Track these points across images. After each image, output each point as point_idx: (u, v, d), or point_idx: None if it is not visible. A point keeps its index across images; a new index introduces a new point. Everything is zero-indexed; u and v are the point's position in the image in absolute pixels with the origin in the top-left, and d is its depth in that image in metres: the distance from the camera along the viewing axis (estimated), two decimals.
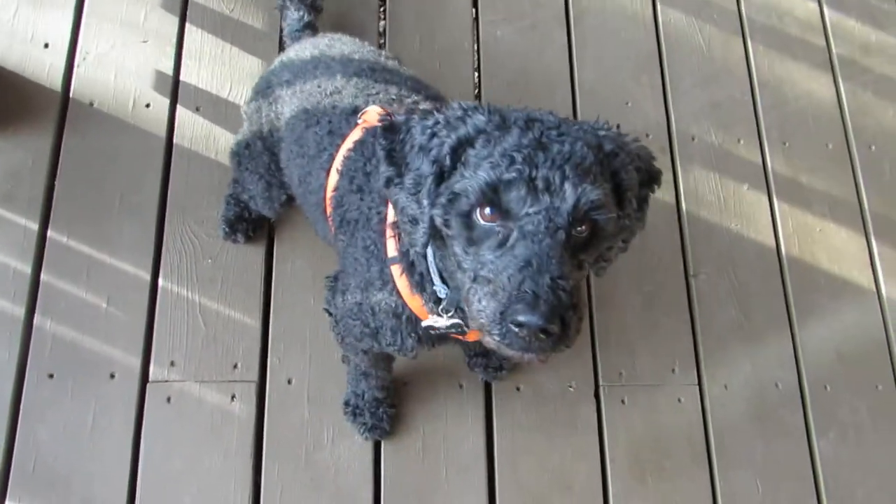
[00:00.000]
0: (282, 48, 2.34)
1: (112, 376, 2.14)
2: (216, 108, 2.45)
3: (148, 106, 2.43)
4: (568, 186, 1.16)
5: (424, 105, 1.71)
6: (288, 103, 1.86)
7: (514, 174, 1.16)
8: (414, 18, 2.66)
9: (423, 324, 1.53)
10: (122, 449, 2.08)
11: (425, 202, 1.24)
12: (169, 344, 2.19)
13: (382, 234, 1.54)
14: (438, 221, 1.24)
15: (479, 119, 1.23)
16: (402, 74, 1.86)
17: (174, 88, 2.47)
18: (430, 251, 1.44)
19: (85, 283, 2.22)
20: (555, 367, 2.28)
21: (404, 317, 1.58)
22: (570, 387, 2.28)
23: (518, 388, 2.25)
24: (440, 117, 1.27)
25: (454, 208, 1.21)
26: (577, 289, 1.18)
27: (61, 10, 2.50)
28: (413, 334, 1.61)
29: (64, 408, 2.10)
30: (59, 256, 2.24)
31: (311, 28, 2.25)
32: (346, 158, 1.64)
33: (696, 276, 2.45)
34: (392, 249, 1.51)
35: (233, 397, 2.15)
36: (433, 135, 1.25)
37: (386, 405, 2.15)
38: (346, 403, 2.16)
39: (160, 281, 2.25)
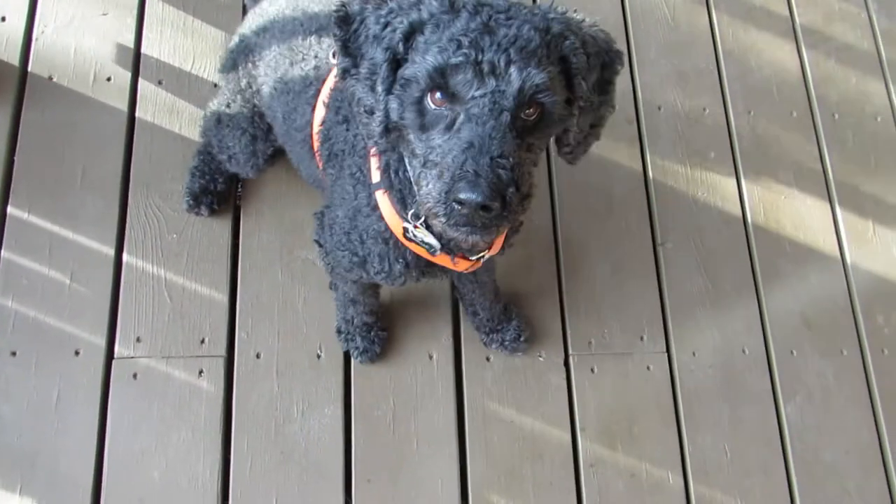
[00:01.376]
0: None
1: (77, 353, 2.11)
2: (179, 81, 2.41)
3: (109, 80, 2.38)
4: (513, 69, 1.18)
5: None
6: (268, 49, 1.84)
7: (460, 58, 1.18)
8: None
9: (404, 226, 1.53)
10: (88, 426, 2.06)
11: (380, 89, 1.26)
12: (134, 320, 2.16)
13: (367, 159, 1.55)
14: (394, 111, 1.26)
15: (431, 5, 1.24)
16: None
17: (135, 61, 2.42)
18: (406, 163, 1.45)
19: (47, 259, 2.18)
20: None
21: (391, 242, 1.59)
22: (540, 356, 2.28)
23: (488, 359, 2.25)
24: (393, 5, 1.28)
25: (407, 95, 1.23)
26: (522, 169, 1.21)
27: None
28: (400, 259, 1.63)
29: (28, 385, 2.07)
30: (20, 233, 2.20)
31: None
32: (333, 90, 1.64)
33: (663, 244, 2.46)
34: (376, 175, 1.52)
35: (200, 372, 2.13)
36: (386, 23, 1.26)
37: (377, 328, 2.17)
38: (339, 331, 2.17)
39: (125, 256, 2.22)
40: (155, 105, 2.38)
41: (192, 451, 2.07)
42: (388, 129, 1.30)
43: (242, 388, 2.14)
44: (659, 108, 2.62)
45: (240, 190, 2.32)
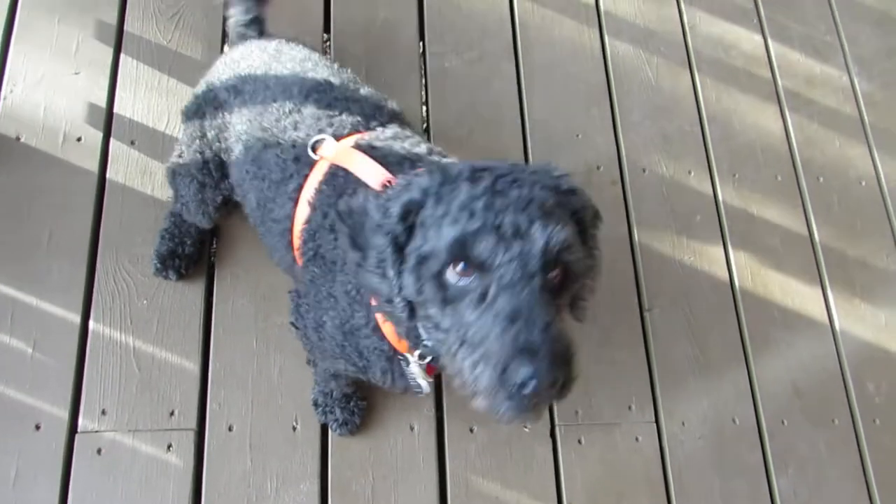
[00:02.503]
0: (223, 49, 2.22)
1: (37, 427, 2.00)
2: (153, 142, 2.34)
3: (79, 140, 2.31)
4: (536, 228, 1.12)
5: (384, 131, 1.65)
6: (238, 114, 1.77)
7: (478, 223, 1.12)
8: (361, 50, 2.59)
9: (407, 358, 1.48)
10: None
11: (391, 273, 1.21)
12: (100, 391, 2.06)
13: None
14: (410, 290, 1.20)
15: (422, 181, 1.21)
16: (359, 93, 1.79)
17: (108, 121, 2.35)
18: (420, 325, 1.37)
19: (9, 327, 2.08)
20: None
21: (395, 359, 1.52)
22: (526, 427, 2.20)
23: (472, 430, 2.17)
24: (390, 191, 1.26)
25: (424, 272, 1.17)
26: (567, 335, 1.14)
27: None
28: (403, 376, 1.55)
29: None
30: None
31: (257, 24, 2.07)
32: (318, 192, 1.57)
33: (650, 310, 2.40)
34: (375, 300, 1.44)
35: (169, 447, 2.02)
36: (386, 210, 1.22)
37: (356, 398, 2.09)
38: (315, 404, 2.09)
39: (91, 324, 2.12)
40: (127, 166, 2.30)
41: None
42: (412, 310, 1.24)
43: (213, 463, 2.03)
44: (643, 171, 2.59)
45: (213, 251, 2.23)
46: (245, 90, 1.79)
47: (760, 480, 2.28)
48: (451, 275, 1.15)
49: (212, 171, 1.89)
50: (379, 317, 1.46)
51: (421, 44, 2.67)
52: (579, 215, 1.24)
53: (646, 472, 2.23)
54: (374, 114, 1.73)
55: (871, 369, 2.48)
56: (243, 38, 2.02)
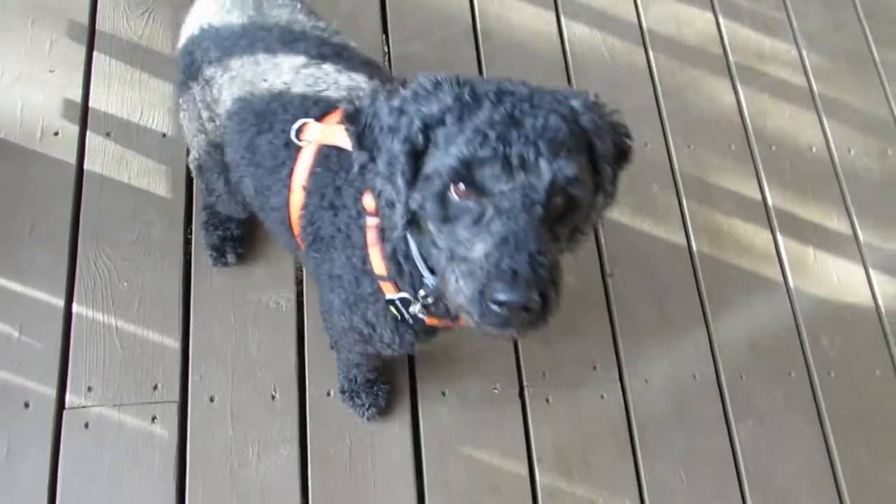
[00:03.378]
0: None
1: (27, 405, 2.09)
2: (128, 133, 2.44)
3: (56, 134, 2.40)
4: (543, 163, 1.14)
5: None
6: (226, 88, 1.70)
7: (488, 152, 1.13)
8: None
9: (397, 296, 1.50)
10: (39, 478, 2.03)
11: (400, 182, 1.21)
12: (85, 369, 2.15)
13: (366, 248, 1.50)
14: (415, 204, 1.21)
15: (448, 96, 1.19)
16: (353, 56, 1.74)
17: (83, 115, 2.45)
18: (413, 247, 1.42)
19: None
20: (479, 370, 2.30)
21: (400, 319, 1.57)
22: (495, 389, 2.30)
23: (443, 393, 2.27)
24: (406, 94, 1.23)
25: (429, 189, 1.19)
26: (556, 265, 1.17)
27: None
28: (410, 330, 1.60)
29: None
30: None
31: None
32: (312, 175, 1.58)
33: (611, 275, 2.51)
34: (380, 267, 1.48)
35: (153, 419, 2.12)
36: (401, 113, 1.21)
37: (380, 383, 2.18)
38: (342, 391, 2.17)
39: (74, 307, 2.21)
40: (104, 157, 2.40)
41: (146, 499, 2.04)
42: (410, 221, 1.25)
43: (196, 432, 2.13)
44: None
45: (190, 235, 2.33)
46: (228, 57, 1.70)
47: (721, 432, 2.37)
48: (454, 194, 1.17)
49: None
50: (383, 284, 1.50)
51: (383, 32, 2.77)
52: (595, 144, 1.24)
53: (611, 427, 2.32)
54: (370, 73, 1.69)
55: (825, 325, 2.58)
56: None
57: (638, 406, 2.36)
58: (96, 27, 2.57)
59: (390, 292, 1.51)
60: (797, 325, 2.56)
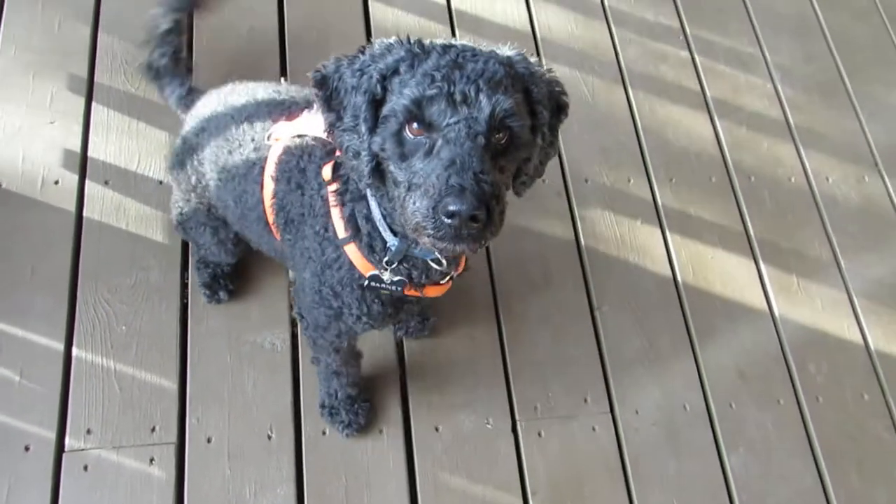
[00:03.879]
0: None
1: (27, 449, 2.13)
2: (125, 181, 2.51)
3: (56, 183, 2.47)
4: (483, 97, 1.29)
5: None
6: (207, 148, 1.94)
7: (434, 91, 1.29)
8: None
9: (368, 274, 1.63)
10: None
11: (363, 129, 1.36)
12: (85, 412, 2.19)
13: (329, 215, 1.64)
14: (376, 146, 1.36)
15: (401, 50, 1.36)
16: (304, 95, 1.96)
17: (82, 164, 2.52)
18: (374, 207, 1.56)
19: None
20: (472, 404, 2.34)
21: (367, 287, 1.68)
22: (488, 424, 2.34)
23: (437, 429, 2.30)
24: (365, 57, 1.39)
25: (387, 129, 1.34)
26: (499, 187, 1.32)
27: None
28: (377, 300, 1.72)
29: None
30: None
31: (196, 92, 2.24)
32: (277, 164, 1.75)
33: (599, 308, 2.56)
34: (341, 230, 1.62)
35: (151, 460, 2.15)
36: (362, 72, 1.37)
37: (360, 400, 2.24)
38: (322, 405, 2.23)
39: (74, 350, 2.26)
40: (102, 204, 2.46)
41: None
42: (375, 168, 1.40)
43: (194, 473, 2.16)
44: (586, 181, 2.77)
45: (187, 279, 2.38)
46: (209, 126, 1.96)
47: (713, 460, 2.40)
48: (408, 132, 1.33)
49: (216, 214, 2.08)
50: (347, 248, 1.63)
51: None
52: (530, 89, 1.39)
53: (604, 459, 2.35)
54: None
55: (811, 351, 2.62)
56: (188, 107, 2.18)
57: (630, 437, 2.39)
58: (95, 79, 2.66)
59: (358, 262, 1.64)
60: (784, 353, 2.61)
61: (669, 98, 3.00)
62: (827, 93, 3.15)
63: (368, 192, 1.56)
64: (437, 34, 2.95)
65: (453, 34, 2.97)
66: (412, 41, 1.38)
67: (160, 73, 2.28)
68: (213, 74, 2.68)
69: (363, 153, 1.39)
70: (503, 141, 1.35)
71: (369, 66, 1.37)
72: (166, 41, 2.24)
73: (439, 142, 1.30)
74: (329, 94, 1.42)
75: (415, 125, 1.32)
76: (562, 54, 3.01)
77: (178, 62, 2.29)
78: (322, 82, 1.42)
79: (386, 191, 1.46)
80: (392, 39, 1.40)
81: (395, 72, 1.35)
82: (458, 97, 1.29)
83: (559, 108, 1.49)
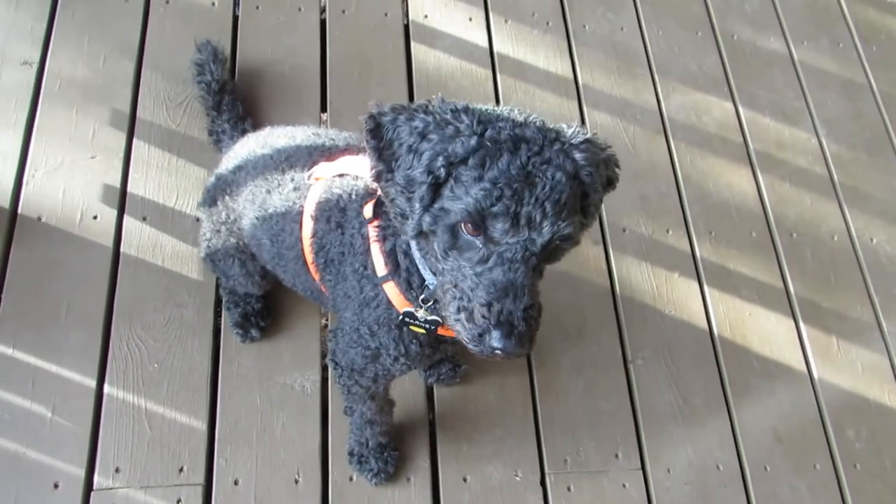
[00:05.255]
0: None
1: (56, 486, 2.13)
2: (163, 217, 2.52)
3: (95, 218, 2.49)
4: (546, 224, 1.29)
5: None
6: (245, 185, 1.96)
7: (502, 208, 1.27)
8: (356, 126, 2.78)
9: (404, 310, 1.62)
10: None
11: (417, 206, 1.34)
12: (114, 450, 2.19)
13: (368, 253, 1.64)
14: (426, 226, 1.35)
15: (472, 140, 1.30)
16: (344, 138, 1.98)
17: (121, 200, 2.54)
18: (414, 248, 1.56)
19: (30, 393, 2.23)
20: (500, 455, 2.31)
21: (403, 327, 1.67)
22: (517, 476, 2.31)
23: (465, 479, 2.28)
24: (428, 119, 1.34)
25: (442, 220, 1.33)
26: (538, 302, 1.34)
27: (12, 129, 2.59)
28: (414, 340, 1.71)
29: None
30: (5, 367, 2.26)
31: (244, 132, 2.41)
32: (318, 203, 1.75)
33: (633, 361, 2.53)
34: (380, 268, 1.62)
35: (178, 501, 2.14)
36: (422, 136, 1.33)
37: (390, 449, 2.22)
38: (351, 454, 2.22)
39: (105, 387, 2.27)
40: (139, 240, 2.48)
41: None
42: (419, 234, 1.39)
43: None
44: (624, 231, 2.74)
45: (220, 318, 2.38)
46: (247, 165, 1.98)
47: None
48: (463, 229, 1.32)
49: (244, 247, 2.08)
50: (385, 286, 1.63)
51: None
52: (588, 195, 1.36)
53: None
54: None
55: (850, 415, 2.56)
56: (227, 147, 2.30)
57: (661, 496, 2.35)
58: (137, 115, 2.69)
59: (396, 300, 1.63)
60: (821, 416, 2.55)
61: (711, 150, 2.97)
62: (873, 151, 3.10)
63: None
64: (479, 78, 2.95)
65: (495, 79, 2.97)
66: (479, 119, 1.32)
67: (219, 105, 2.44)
68: (256, 109, 2.72)
69: (411, 221, 1.37)
70: (550, 251, 1.35)
71: (433, 134, 1.32)
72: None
73: (494, 257, 1.30)
74: (381, 145, 1.38)
75: (471, 226, 1.31)
76: (603, 101, 2.99)
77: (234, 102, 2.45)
78: (376, 131, 1.38)
79: (428, 248, 1.44)
80: (457, 105, 1.35)
81: (464, 161, 1.30)
82: (522, 219, 1.28)
83: (609, 182, 1.46)
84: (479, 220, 1.29)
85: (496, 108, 1.38)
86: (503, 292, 1.29)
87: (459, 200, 1.29)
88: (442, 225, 1.33)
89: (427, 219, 1.34)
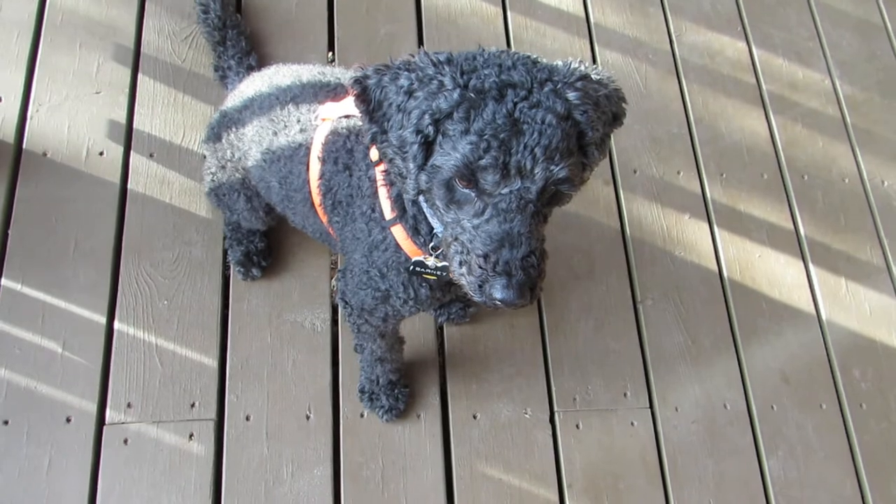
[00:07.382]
0: None
1: (68, 420, 2.14)
2: (170, 154, 2.49)
3: (101, 154, 2.46)
4: (539, 171, 1.26)
5: None
6: (249, 124, 1.93)
7: (489, 161, 1.25)
8: (364, 63, 2.74)
9: (414, 259, 1.62)
10: (79, 492, 2.07)
11: (412, 166, 1.33)
12: (125, 386, 2.20)
13: (376, 195, 1.63)
14: (423, 184, 1.34)
15: (455, 93, 1.27)
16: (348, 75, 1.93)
17: (128, 136, 2.51)
18: (420, 198, 1.54)
19: (40, 328, 2.23)
20: (510, 393, 2.33)
21: (410, 268, 1.67)
22: (526, 413, 2.32)
23: (475, 417, 2.29)
24: (412, 76, 1.32)
25: (436, 176, 1.31)
26: (542, 247, 1.33)
27: (14, 64, 2.54)
28: (424, 284, 1.71)
29: (20, 454, 2.09)
30: (14, 303, 2.25)
31: (251, 68, 2.40)
32: (324, 145, 1.73)
33: (642, 302, 2.53)
34: (388, 211, 1.61)
35: (191, 436, 2.16)
36: (409, 93, 1.32)
37: (400, 386, 2.24)
38: (362, 391, 2.23)
39: (116, 324, 2.26)
40: (146, 177, 2.45)
41: None
42: (420, 191, 1.38)
43: (232, 450, 2.16)
44: (634, 172, 2.72)
45: (229, 259, 2.37)
46: (253, 105, 1.95)
47: (751, 462, 2.38)
48: (457, 183, 1.31)
49: (249, 183, 2.06)
50: (393, 229, 1.62)
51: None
52: (586, 134, 1.32)
53: (642, 455, 2.33)
54: None
55: (856, 356, 2.58)
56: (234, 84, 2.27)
57: (668, 434, 2.37)
58: (141, 50, 2.63)
59: (404, 244, 1.63)
60: (829, 357, 2.57)
61: (724, 91, 2.93)
62: (887, 93, 3.06)
63: None
64: (489, 16, 2.90)
65: (505, 16, 2.91)
66: (463, 69, 1.30)
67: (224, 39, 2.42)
68: (262, 45, 2.67)
69: (410, 180, 1.36)
70: (550, 195, 1.33)
71: (418, 91, 1.31)
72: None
73: (489, 209, 1.30)
74: (371, 108, 1.37)
75: (464, 181, 1.30)
76: (615, 40, 2.94)
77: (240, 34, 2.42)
78: (363, 94, 1.37)
79: (432, 203, 1.42)
80: (439, 57, 1.33)
81: (449, 115, 1.28)
82: (512, 169, 1.26)
83: (614, 118, 1.42)
84: (470, 175, 1.28)
85: (483, 53, 1.34)
86: (499, 243, 1.28)
87: (448, 156, 1.28)
88: (437, 182, 1.32)
89: (423, 177, 1.33)
